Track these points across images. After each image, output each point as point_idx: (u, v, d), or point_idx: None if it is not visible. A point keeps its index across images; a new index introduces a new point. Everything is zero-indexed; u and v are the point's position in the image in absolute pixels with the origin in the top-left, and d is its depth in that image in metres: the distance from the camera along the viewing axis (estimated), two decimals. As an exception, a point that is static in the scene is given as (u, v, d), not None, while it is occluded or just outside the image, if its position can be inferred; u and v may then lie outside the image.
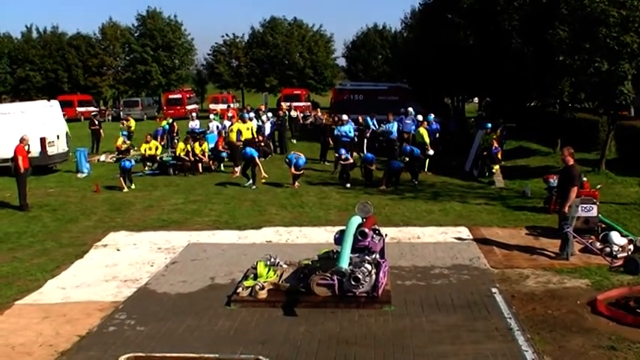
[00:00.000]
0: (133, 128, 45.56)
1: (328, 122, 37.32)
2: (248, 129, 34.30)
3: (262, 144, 36.01)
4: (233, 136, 33.26)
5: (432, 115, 35.91)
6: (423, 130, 32.67)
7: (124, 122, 46.83)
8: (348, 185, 27.95)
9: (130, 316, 13.47)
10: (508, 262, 16.65)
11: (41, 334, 12.70)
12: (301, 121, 49.36)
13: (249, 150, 28.82)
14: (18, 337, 12.54)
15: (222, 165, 34.07)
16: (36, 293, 15.08)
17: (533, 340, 11.73)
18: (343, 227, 14.52)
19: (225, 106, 69.56)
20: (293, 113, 38.78)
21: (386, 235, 15.72)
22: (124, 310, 13.87)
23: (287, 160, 29.22)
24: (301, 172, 28.86)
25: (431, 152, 32.22)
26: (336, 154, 30.42)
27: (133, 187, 28.96)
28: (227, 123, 37.86)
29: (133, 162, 31.61)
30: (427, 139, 32.32)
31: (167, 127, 42.04)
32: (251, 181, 28.81)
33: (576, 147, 18.33)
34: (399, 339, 11.92)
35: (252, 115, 40.07)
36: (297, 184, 27.85)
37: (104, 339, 12.31)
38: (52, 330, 12.88)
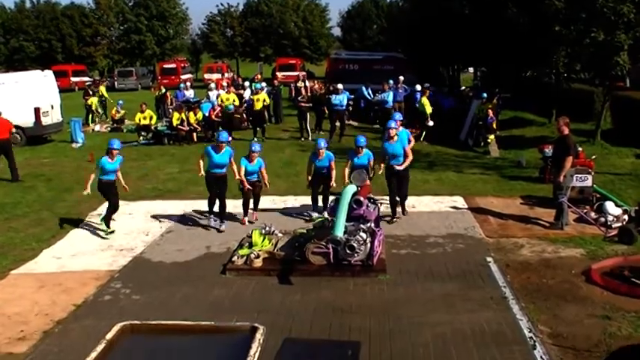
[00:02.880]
0: (105, 96, 45.24)
1: (322, 91, 37.11)
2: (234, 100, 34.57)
3: (238, 115, 35.87)
4: (259, 105, 33.49)
5: (427, 85, 35.75)
6: (425, 100, 32.59)
7: (92, 90, 45.90)
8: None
9: (125, 284, 13.50)
10: (503, 231, 16.67)
11: (37, 303, 12.72)
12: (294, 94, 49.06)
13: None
14: (14, 306, 12.57)
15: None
16: (31, 263, 15.09)
17: (527, 309, 11.76)
18: (338, 196, 14.51)
19: (219, 76, 69.40)
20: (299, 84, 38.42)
21: (381, 203, 15.73)
22: (120, 279, 13.89)
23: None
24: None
25: (430, 123, 32.23)
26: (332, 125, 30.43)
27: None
28: (221, 92, 37.63)
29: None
30: (429, 110, 32.30)
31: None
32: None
33: (571, 117, 18.26)
34: (394, 308, 11.95)
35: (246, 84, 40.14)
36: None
37: (100, 308, 12.36)
38: (47, 299, 12.91)
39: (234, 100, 34.21)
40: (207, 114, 33.75)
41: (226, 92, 34.55)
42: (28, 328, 11.53)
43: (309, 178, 18.26)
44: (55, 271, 14.50)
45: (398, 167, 17.15)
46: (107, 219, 17.03)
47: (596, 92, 33.35)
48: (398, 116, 19.00)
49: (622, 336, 10.68)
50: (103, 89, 47.16)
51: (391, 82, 36.02)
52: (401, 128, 18.85)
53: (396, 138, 17.45)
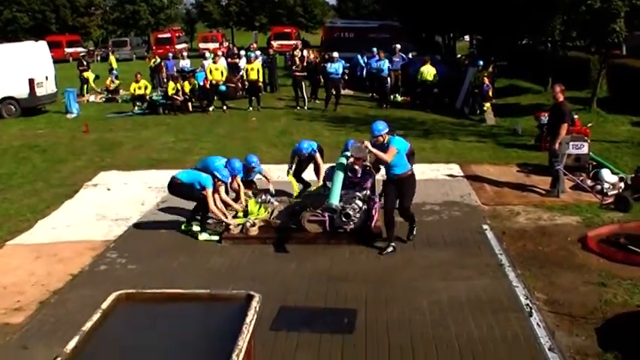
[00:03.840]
0: (114, 67, 44.87)
1: (317, 60, 37.00)
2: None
3: (233, 84, 35.79)
4: (254, 74, 33.27)
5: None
6: (427, 69, 32.50)
7: (86, 61, 44.91)
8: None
9: (121, 254, 13.48)
10: (499, 198, 16.66)
11: (33, 273, 12.71)
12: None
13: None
14: (9, 277, 12.55)
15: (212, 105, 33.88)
16: (27, 233, 15.06)
17: (523, 276, 11.77)
18: (334, 164, 14.47)
19: (215, 45, 69.13)
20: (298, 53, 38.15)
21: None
22: (116, 248, 13.87)
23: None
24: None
25: (435, 90, 32.38)
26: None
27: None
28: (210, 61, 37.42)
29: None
30: (431, 78, 32.27)
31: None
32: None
33: (567, 85, 18.22)
34: (390, 275, 11.96)
35: (242, 53, 40.01)
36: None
37: (96, 277, 12.35)
38: (43, 269, 12.89)
39: (222, 72, 33.98)
40: (201, 83, 33.64)
41: (213, 62, 34.24)
42: (25, 299, 11.52)
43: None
44: (50, 241, 14.47)
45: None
46: None
47: (592, 60, 33.22)
48: (382, 126, 13.23)
49: (618, 303, 10.68)
50: (113, 60, 46.64)
51: (398, 47, 35.98)
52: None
53: (385, 141, 13.02)
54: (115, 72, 40.97)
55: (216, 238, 14.14)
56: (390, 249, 12.99)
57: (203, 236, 14.22)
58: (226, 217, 14.32)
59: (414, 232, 13.68)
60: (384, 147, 12.78)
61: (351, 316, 10.34)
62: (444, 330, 9.86)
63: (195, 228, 14.37)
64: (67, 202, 17.35)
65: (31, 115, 32.98)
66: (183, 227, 14.45)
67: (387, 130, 12.95)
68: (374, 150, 12.76)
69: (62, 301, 11.38)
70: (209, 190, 14.10)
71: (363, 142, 12.97)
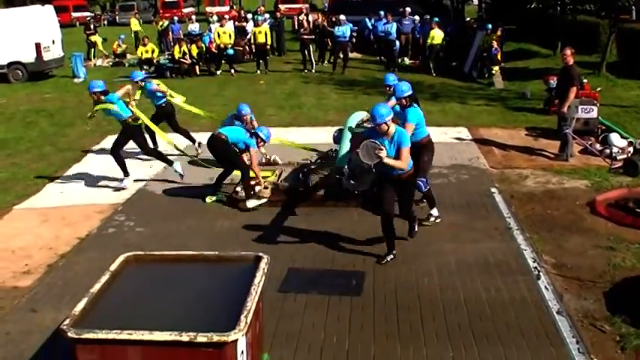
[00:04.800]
0: (139, 30, 44.30)
1: (325, 23, 36.81)
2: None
3: (241, 47, 35.69)
4: (261, 38, 33.17)
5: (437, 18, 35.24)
6: (436, 32, 32.33)
7: (94, 25, 43.46)
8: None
9: (129, 217, 13.51)
10: (507, 162, 16.62)
11: (41, 237, 12.73)
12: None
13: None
14: (17, 240, 12.57)
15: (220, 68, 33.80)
16: (35, 197, 15.07)
17: (531, 240, 11.76)
18: (342, 127, 14.43)
19: (222, 9, 68.71)
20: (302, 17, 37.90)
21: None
22: (124, 211, 13.89)
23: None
24: None
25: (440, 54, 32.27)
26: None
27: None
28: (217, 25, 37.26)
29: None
30: (439, 41, 32.13)
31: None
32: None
33: (577, 49, 18.06)
34: (398, 238, 11.95)
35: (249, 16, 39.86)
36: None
37: (104, 240, 12.38)
38: (51, 233, 12.91)
39: (230, 35, 33.83)
40: (208, 46, 33.58)
41: (220, 25, 34.11)
42: (33, 262, 11.55)
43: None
44: (58, 205, 14.48)
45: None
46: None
47: (601, 24, 32.97)
48: (385, 110, 10.58)
49: (626, 267, 10.68)
50: (135, 23, 45.99)
51: (408, 10, 35.78)
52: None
53: (391, 132, 10.51)
54: (122, 36, 40.66)
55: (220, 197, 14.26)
56: (390, 257, 11.09)
57: (211, 199, 14.21)
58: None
59: (416, 229, 11.82)
60: (392, 141, 10.44)
61: (359, 278, 10.34)
62: (452, 292, 9.88)
63: (252, 203, 13.83)
64: (75, 165, 17.35)
65: (38, 79, 32.92)
66: (208, 200, 14.26)
67: (391, 115, 10.66)
68: (388, 161, 10.22)
69: (70, 265, 11.41)
70: (254, 150, 14.06)
71: (380, 149, 10.10)
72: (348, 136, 13.62)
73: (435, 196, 12.77)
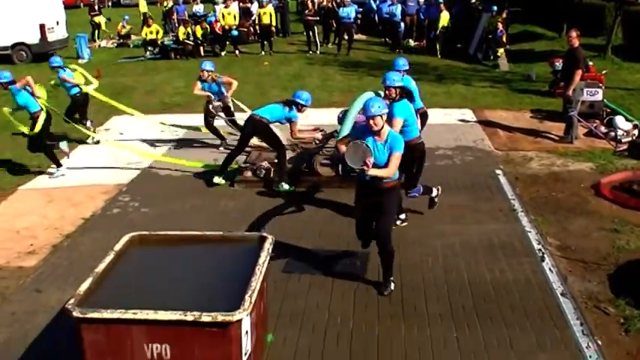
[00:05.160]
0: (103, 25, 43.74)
1: (329, 4, 36.69)
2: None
3: (245, 29, 35.62)
4: (266, 19, 33.00)
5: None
6: (443, 14, 32.24)
7: (98, 6, 43.43)
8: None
9: (133, 197, 13.52)
10: (512, 144, 16.61)
11: (46, 217, 12.75)
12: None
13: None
14: (22, 221, 12.59)
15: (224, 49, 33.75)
16: (39, 178, 15.08)
17: (536, 222, 11.77)
18: (346, 108, 14.41)
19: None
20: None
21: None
22: (128, 192, 13.90)
23: None
24: None
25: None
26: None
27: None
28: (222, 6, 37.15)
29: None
30: (446, 23, 32.05)
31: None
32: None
33: (582, 32, 18.02)
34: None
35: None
36: None
37: (108, 221, 12.40)
38: (56, 213, 12.93)
39: (234, 16, 33.77)
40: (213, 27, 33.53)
41: (225, 6, 34.03)
42: (38, 243, 11.57)
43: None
44: (63, 186, 14.49)
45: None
46: None
47: (607, 7, 32.81)
48: (376, 105, 9.47)
49: (630, 249, 10.68)
50: (143, 4, 44.78)
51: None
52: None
53: (384, 134, 9.03)
54: (126, 17, 40.51)
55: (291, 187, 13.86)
56: (392, 287, 9.54)
57: (220, 180, 14.20)
58: (314, 131, 14.68)
59: (391, 279, 9.57)
60: (385, 145, 9.10)
61: (363, 258, 10.34)
62: (456, 274, 9.89)
63: (285, 187, 13.66)
64: (80, 146, 17.33)
65: (43, 60, 32.79)
66: (216, 181, 14.11)
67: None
68: (374, 172, 8.78)
69: (75, 245, 11.43)
70: (296, 122, 13.89)
71: (369, 156, 8.67)
72: (351, 117, 13.55)
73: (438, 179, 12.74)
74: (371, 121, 8.82)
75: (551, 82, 22.27)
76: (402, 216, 11.60)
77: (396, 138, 8.88)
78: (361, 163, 8.61)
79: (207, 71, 16.20)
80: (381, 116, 8.78)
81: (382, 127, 8.86)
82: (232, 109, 16.68)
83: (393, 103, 10.70)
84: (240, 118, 15.86)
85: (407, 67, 13.06)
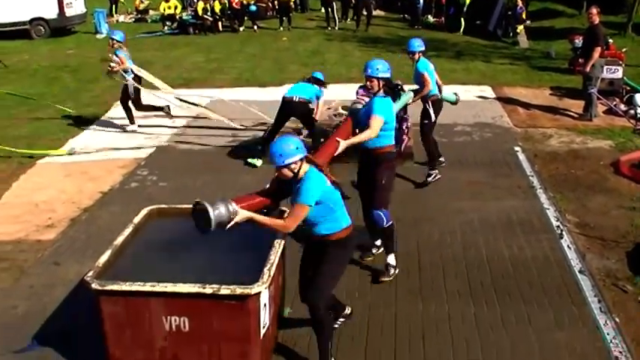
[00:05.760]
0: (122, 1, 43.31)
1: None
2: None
3: (264, 4, 35.57)
4: None
5: None
6: None
7: None
8: None
9: (151, 172, 13.55)
10: (531, 121, 16.55)
11: (64, 191, 12.78)
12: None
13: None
14: (41, 195, 12.63)
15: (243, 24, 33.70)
16: (58, 152, 15.09)
17: (555, 199, 11.71)
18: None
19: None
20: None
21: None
22: (146, 166, 13.93)
23: None
24: None
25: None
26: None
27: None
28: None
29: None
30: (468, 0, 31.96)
31: None
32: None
33: (603, 9, 17.89)
34: (421, 195, 12.00)
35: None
36: None
37: (126, 194, 12.43)
38: (74, 187, 12.96)
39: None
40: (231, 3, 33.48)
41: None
42: (56, 216, 11.60)
43: None
44: (81, 160, 14.52)
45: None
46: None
47: (628, -16, 32.64)
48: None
49: (649, 227, 10.64)
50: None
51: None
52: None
53: (301, 174, 6.95)
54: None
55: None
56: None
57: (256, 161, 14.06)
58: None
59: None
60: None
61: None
62: (475, 250, 9.87)
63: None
64: (98, 121, 17.36)
65: (61, 35, 32.91)
66: (252, 161, 13.92)
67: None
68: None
69: (93, 218, 11.46)
70: (322, 99, 14.07)
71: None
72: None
73: (457, 155, 12.68)
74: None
75: (570, 60, 22.15)
76: (392, 261, 9.22)
77: (309, 180, 6.79)
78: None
79: (116, 41, 16.25)
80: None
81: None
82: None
83: (374, 98, 9.09)
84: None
85: (422, 48, 12.47)
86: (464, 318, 8.09)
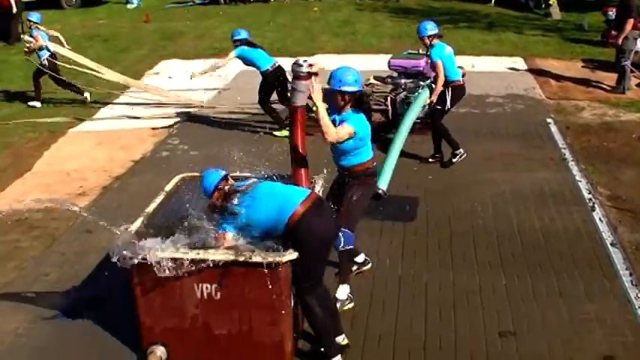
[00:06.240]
0: None
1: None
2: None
3: None
4: None
5: None
6: None
7: None
8: None
9: (182, 141, 13.62)
10: (563, 93, 16.43)
11: (95, 160, 12.88)
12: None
13: None
14: (72, 163, 12.74)
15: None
16: (89, 121, 15.18)
17: (587, 171, 11.63)
18: (396, 54, 14.29)
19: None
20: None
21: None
22: (177, 135, 14.00)
23: None
24: None
25: None
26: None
27: None
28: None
29: None
30: None
31: None
32: None
33: (637, -20, 17.73)
34: (452, 165, 11.94)
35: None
36: None
37: (158, 163, 12.50)
38: (105, 156, 13.05)
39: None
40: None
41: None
42: (87, 184, 11.70)
43: None
44: (112, 128, 14.59)
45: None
46: None
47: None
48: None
49: (682, 201, 10.56)
50: None
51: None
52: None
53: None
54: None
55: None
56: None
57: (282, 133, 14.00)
58: None
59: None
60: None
61: (412, 204, 10.33)
62: (506, 220, 9.85)
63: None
64: (130, 90, 17.40)
65: (92, 5, 32.97)
66: (277, 134, 13.99)
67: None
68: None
69: (124, 186, 11.56)
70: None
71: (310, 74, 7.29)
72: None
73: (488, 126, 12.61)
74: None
75: (603, 32, 21.91)
76: (342, 295, 7.85)
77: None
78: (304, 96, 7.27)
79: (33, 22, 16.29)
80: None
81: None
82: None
83: (344, 114, 7.66)
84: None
85: (434, 32, 11.75)
86: (495, 289, 8.07)
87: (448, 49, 11.79)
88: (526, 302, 7.78)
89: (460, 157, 12.02)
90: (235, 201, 6.38)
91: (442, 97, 11.75)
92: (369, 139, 7.67)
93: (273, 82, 13.83)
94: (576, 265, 8.59)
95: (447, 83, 11.70)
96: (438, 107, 11.84)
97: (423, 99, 12.13)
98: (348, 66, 7.77)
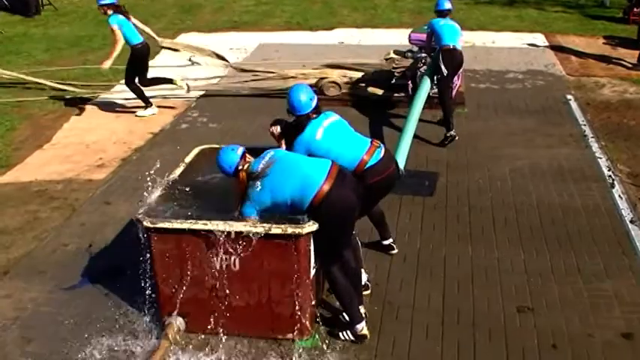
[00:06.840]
0: None
1: None
2: None
3: None
4: None
5: None
6: None
7: None
8: None
9: (202, 113, 13.64)
10: (584, 70, 16.31)
11: (114, 132, 12.93)
12: None
13: None
14: (92, 135, 12.79)
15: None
16: (108, 93, 15.22)
17: (607, 148, 11.57)
18: (416, 29, 14.23)
19: None
20: None
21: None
22: (197, 108, 14.01)
23: None
24: None
25: None
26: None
27: None
28: None
29: None
30: None
31: None
32: None
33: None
34: (473, 140, 11.90)
35: None
36: None
37: (177, 135, 12.52)
38: (124, 128, 13.10)
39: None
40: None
41: None
42: (107, 156, 11.75)
43: None
44: (132, 101, 14.57)
45: None
46: None
47: None
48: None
49: (702, 179, 10.51)
50: None
51: None
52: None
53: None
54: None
55: None
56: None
57: None
58: None
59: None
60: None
61: (432, 178, 10.32)
62: (525, 196, 9.82)
63: None
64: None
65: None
66: None
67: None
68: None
69: (143, 158, 11.54)
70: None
71: None
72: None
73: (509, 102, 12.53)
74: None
75: (625, 9, 21.75)
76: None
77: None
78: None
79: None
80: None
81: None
82: None
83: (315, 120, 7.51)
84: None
85: (449, 6, 12.29)
86: (513, 264, 8.07)
87: (444, 21, 12.15)
88: (544, 277, 7.77)
89: (452, 139, 11.83)
90: (258, 187, 6.29)
91: (437, 65, 11.82)
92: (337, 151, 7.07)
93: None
94: (595, 242, 8.56)
95: (439, 49, 11.83)
96: (438, 77, 11.95)
97: (425, 89, 12.10)
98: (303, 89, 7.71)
